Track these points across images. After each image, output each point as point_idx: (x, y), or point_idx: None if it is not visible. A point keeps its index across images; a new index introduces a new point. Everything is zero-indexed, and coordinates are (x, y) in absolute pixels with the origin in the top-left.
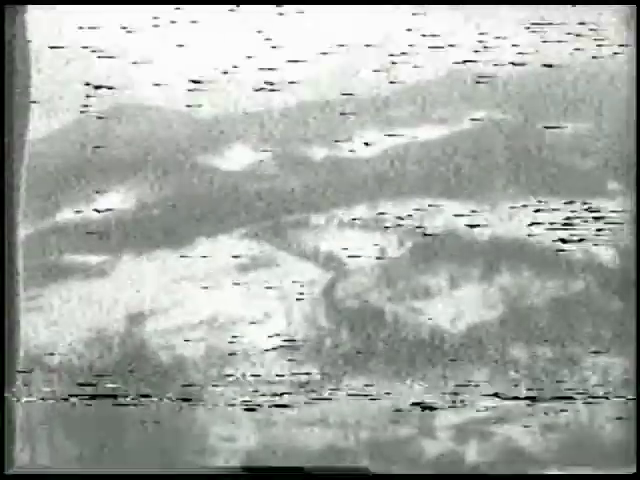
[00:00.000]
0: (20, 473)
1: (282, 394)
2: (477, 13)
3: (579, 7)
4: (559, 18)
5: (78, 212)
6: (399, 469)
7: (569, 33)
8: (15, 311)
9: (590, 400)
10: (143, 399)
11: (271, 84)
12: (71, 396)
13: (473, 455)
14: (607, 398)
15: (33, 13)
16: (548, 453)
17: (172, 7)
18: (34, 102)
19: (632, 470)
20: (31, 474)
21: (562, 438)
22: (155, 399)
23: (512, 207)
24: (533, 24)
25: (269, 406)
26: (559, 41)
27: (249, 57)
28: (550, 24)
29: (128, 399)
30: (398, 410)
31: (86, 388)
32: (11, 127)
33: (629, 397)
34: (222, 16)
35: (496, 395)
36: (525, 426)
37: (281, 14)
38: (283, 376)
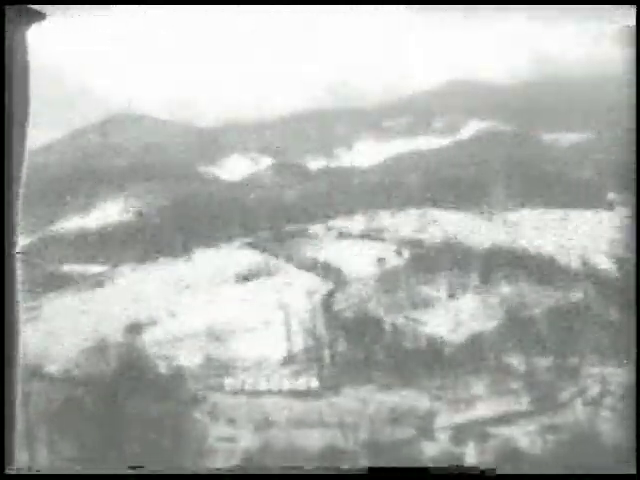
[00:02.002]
0: (19, 473)
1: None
2: (475, 23)
3: (577, 11)
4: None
5: (76, 222)
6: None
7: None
8: (14, 320)
9: None
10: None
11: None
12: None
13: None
14: None
15: (32, 25)
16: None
17: (169, 18)
18: (32, 113)
19: (632, 471)
20: (30, 474)
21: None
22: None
23: (511, 217)
24: (531, 33)
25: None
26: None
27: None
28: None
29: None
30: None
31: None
32: (10, 137)
33: None
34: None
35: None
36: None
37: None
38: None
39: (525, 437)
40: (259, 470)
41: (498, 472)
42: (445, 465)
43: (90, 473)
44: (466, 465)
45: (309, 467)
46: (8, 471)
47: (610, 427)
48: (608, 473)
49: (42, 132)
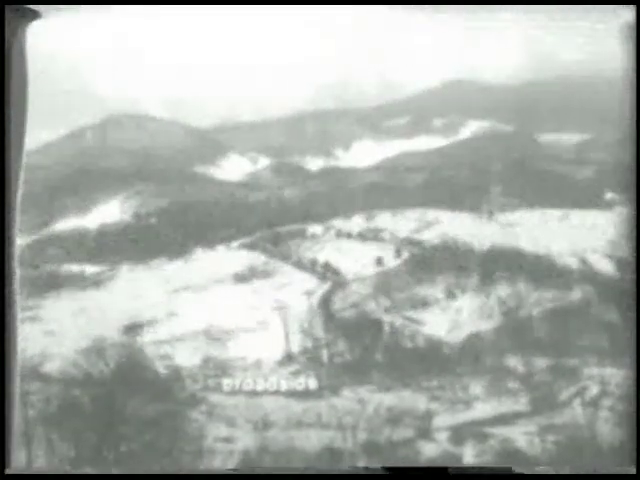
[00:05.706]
0: (18, 473)
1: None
2: (474, 22)
3: (576, 11)
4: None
5: (75, 222)
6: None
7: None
8: (12, 320)
9: None
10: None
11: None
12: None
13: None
14: None
15: (31, 23)
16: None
17: (173, 14)
18: (31, 113)
19: (632, 470)
20: (30, 474)
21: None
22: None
23: (510, 217)
24: (530, 31)
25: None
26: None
27: (246, 66)
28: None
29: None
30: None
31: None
32: (8, 138)
33: None
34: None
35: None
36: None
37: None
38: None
39: (523, 437)
40: (257, 470)
41: (498, 472)
42: (444, 466)
43: (88, 473)
44: (465, 465)
45: (308, 467)
46: (8, 471)
47: (609, 427)
48: (608, 473)
49: (40, 132)
